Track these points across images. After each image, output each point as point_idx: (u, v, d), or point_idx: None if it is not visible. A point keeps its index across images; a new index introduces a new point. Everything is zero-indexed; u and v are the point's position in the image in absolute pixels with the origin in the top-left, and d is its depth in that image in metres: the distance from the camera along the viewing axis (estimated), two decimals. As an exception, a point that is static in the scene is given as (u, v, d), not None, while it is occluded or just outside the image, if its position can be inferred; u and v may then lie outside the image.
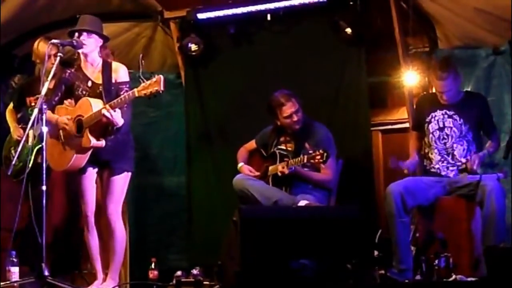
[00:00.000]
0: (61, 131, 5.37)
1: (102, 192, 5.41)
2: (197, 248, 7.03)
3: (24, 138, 5.28)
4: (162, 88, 4.92)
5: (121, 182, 5.38)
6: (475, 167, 5.42)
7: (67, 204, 6.21)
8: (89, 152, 5.26)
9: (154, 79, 4.93)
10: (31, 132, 5.76)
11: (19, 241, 5.57)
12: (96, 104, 5.21)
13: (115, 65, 5.39)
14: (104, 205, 5.38)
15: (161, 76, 4.94)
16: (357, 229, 4.97)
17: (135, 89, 5.02)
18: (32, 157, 5.54)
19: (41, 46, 6.07)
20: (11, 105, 6.39)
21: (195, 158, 7.22)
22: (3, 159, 6.30)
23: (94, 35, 5.35)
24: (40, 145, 5.49)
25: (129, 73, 5.41)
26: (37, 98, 5.82)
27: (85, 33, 5.32)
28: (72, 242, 6.27)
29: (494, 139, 5.68)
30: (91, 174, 5.41)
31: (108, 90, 5.26)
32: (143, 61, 5.17)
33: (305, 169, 5.95)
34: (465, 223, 5.51)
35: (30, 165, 5.40)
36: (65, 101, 5.43)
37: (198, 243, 7.04)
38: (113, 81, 5.30)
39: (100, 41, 5.40)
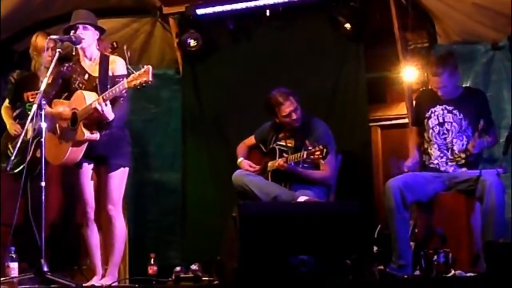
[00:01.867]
0: (57, 125, 5.37)
1: (100, 188, 5.41)
2: (191, 244, 7.02)
3: (23, 133, 5.29)
4: (150, 79, 4.92)
5: (119, 178, 5.38)
6: (475, 149, 5.43)
7: (63, 199, 6.20)
8: (85, 146, 5.26)
9: (142, 70, 4.94)
10: (30, 126, 5.75)
11: (18, 237, 5.56)
12: (90, 97, 5.21)
13: (113, 58, 5.40)
14: (103, 201, 5.38)
15: (150, 67, 4.93)
16: (356, 224, 4.97)
17: (125, 80, 5.03)
18: (31, 150, 5.49)
19: (40, 40, 6.11)
20: (6, 101, 6.38)
21: (191, 154, 7.21)
22: (1, 155, 6.29)
23: (90, 28, 5.36)
24: (38, 138, 5.49)
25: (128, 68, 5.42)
26: (35, 93, 5.86)
27: (81, 27, 5.33)
28: (69, 237, 6.27)
29: (492, 134, 5.68)
30: (87, 169, 5.41)
31: (103, 83, 5.26)
32: (128, 52, 5.18)
33: (305, 165, 5.96)
34: (465, 219, 5.51)
35: (28, 158, 5.37)
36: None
37: (193, 239, 7.03)
38: (110, 74, 5.31)
39: (96, 34, 5.41)
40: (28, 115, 5.81)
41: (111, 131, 5.28)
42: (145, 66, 4.95)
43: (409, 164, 5.69)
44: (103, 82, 5.27)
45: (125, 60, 5.24)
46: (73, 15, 5.41)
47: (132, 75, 4.98)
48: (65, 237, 6.26)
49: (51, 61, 5.31)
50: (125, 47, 5.29)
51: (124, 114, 5.30)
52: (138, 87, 4.96)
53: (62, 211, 6.22)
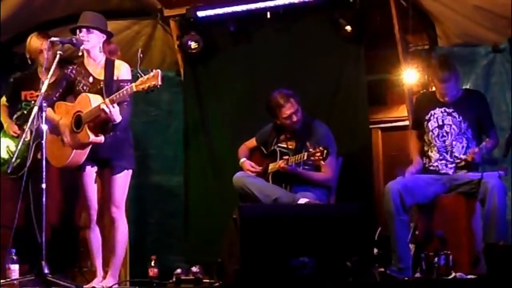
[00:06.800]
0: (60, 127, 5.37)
1: (104, 191, 5.42)
2: (193, 245, 7.02)
3: (24, 135, 5.29)
4: (159, 83, 4.94)
5: (123, 180, 5.39)
6: (476, 159, 5.43)
7: (62, 201, 6.20)
8: (88, 148, 5.27)
9: (151, 74, 4.96)
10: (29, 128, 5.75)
11: (19, 239, 5.56)
12: (95, 100, 5.21)
13: (118, 62, 5.40)
14: (107, 204, 5.39)
15: (159, 71, 4.96)
16: (357, 226, 4.98)
17: (133, 84, 5.04)
18: (31, 153, 5.46)
19: (33, 41, 6.09)
20: (3, 100, 6.35)
21: (192, 156, 7.21)
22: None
23: (95, 31, 5.35)
24: (37, 141, 5.48)
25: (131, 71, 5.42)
26: (34, 94, 5.86)
27: (84, 30, 5.33)
28: (70, 240, 6.27)
29: (493, 136, 5.69)
30: (91, 172, 5.41)
31: (109, 87, 5.27)
32: (141, 56, 5.18)
33: (306, 167, 5.96)
34: (465, 221, 5.52)
35: (29, 162, 5.35)
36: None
37: (195, 240, 7.03)
38: (115, 78, 5.31)
39: (102, 37, 5.40)
40: (23, 114, 5.84)
41: (116, 133, 5.29)
42: (154, 70, 4.97)
43: (413, 170, 5.69)
44: (109, 86, 5.27)
45: (136, 64, 5.23)
46: (81, 16, 5.40)
47: (140, 79, 4.99)
48: (66, 239, 6.25)
49: (50, 62, 5.32)
50: (139, 51, 5.28)
51: (127, 117, 5.31)
52: (147, 91, 4.98)
53: (62, 213, 6.21)
